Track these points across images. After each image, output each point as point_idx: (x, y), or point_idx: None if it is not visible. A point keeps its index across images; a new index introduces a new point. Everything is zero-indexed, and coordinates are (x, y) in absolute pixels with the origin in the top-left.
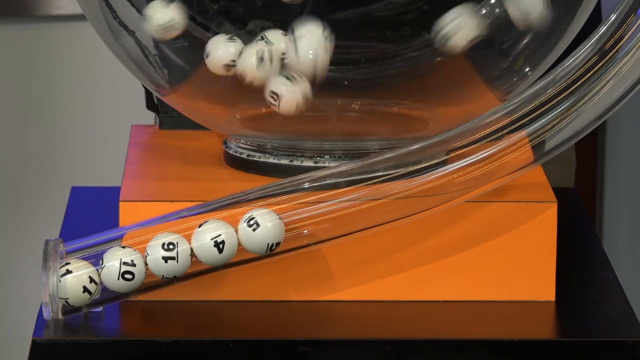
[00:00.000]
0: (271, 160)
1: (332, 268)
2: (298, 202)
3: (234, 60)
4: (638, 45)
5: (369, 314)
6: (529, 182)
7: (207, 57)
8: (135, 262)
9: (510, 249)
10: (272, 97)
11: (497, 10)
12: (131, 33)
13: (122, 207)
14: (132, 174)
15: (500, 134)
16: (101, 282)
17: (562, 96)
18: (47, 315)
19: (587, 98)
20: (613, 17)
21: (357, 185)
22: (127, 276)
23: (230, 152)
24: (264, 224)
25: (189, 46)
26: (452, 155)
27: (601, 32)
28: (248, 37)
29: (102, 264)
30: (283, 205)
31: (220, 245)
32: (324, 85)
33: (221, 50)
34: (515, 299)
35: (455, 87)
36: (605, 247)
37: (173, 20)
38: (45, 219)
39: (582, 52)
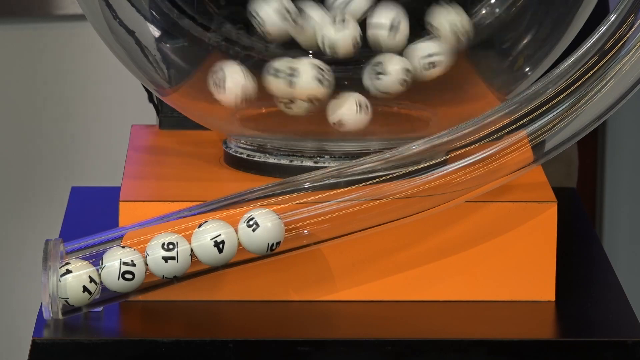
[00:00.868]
0: (271, 160)
1: (332, 268)
2: (298, 202)
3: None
4: (638, 45)
5: (369, 314)
6: (529, 182)
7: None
8: (135, 262)
9: (510, 249)
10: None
11: (496, 10)
12: (131, 33)
13: (122, 207)
14: (132, 174)
15: (500, 134)
16: (101, 282)
17: (562, 96)
18: (47, 315)
19: (587, 98)
20: (613, 17)
21: (357, 185)
22: (127, 276)
23: (230, 152)
24: (263, 224)
25: (189, 46)
26: (452, 155)
27: (601, 32)
28: (248, 37)
29: (102, 264)
30: (283, 205)
31: (220, 245)
32: None
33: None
34: (515, 299)
35: (455, 87)
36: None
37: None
38: (45, 219)
39: (582, 52)
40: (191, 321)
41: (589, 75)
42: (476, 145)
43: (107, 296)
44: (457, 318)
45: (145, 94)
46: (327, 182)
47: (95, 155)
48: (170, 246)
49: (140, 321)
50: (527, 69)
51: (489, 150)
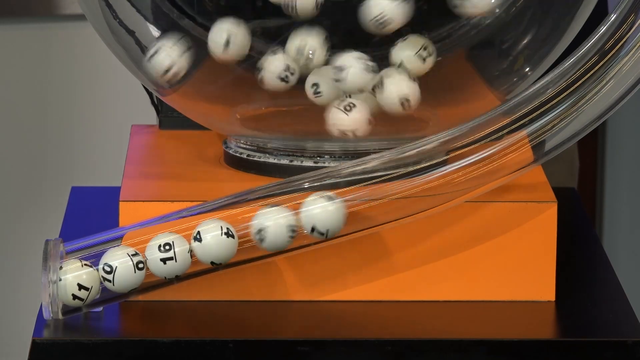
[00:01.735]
0: (271, 160)
1: (333, 268)
2: (298, 202)
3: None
4: (638, 45)
5: (369, 314)
6: (529, 182)
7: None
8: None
9: (510, 249)
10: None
11: (496, 10)
12: (131, 33)
13: (122, 207)
14: (132, 174)
15: (500, 134)
16: (101, 282)
17: (562, 96)
18: (47, 315)
19: (587, 98)
20: (613, 17)
21: (357, 185)
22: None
23: (230, 152)
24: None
25: (189, 46)
26: (452, 155)
27: (601, 32)
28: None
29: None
30: (283, 206)
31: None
32: None
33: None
34: (515, 299)
35: (455, 87)
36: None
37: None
38: (45, 219)
39: (582, 52)
40: (191, 321)
41: (589, 75)
42: (476, 145)
43: (107, 296)
44: (457, 318)
45: (146, 94)
46: (327, 182)
47: (95, 155)
48: (167, 247)
49: (140, 321)
50: (527, 69)
51: (489, 150)
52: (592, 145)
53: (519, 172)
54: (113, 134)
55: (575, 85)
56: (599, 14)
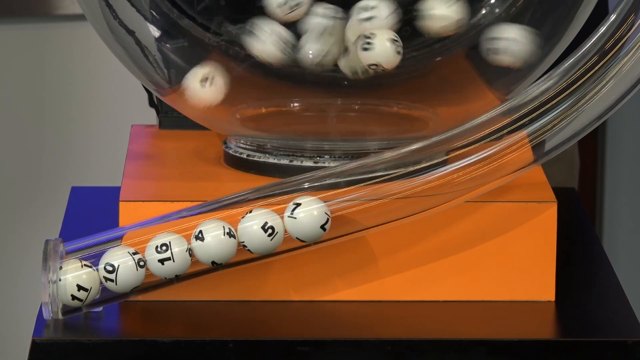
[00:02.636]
0: (271, 160)
1: (332, 268)
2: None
3: None
4: (638, 45)
5: (369, 314)
6: (529, 182)
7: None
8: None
9: (510, 249)
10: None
11: (496, 10)
12: (131, 33)
13: (122, 207)
14: (132, 174)
15: (500, 134)
16: (101, 282)
17: (562, 96)
18: (47, 315)
19: (587, 98)
20: (613, 17)
21: (357, 185)
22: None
23: (230, 152)
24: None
25: (189, 46)
26: (452, 155)
27: (601, 32)
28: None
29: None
30: (283, 206)
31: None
32: (324, 85)
33: None
34: (515, 299)
35: (455, 87)
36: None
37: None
38: (45, 219)
39: (582, 52)
40: (191, 321)
41: (589, 75)
42: (476, 145)
43: (107, 296)
44: (457, 318)
45: (146, 95)
46: (327, 182)
47: (95, 155)
48: (164, 247)
49: (140, 321)
50: (527, 69)
51: (489, 150)
52: (592, 145)
53: (519, 172)
54: (113, 134)
55: (575, 85)
56: (599, 14)
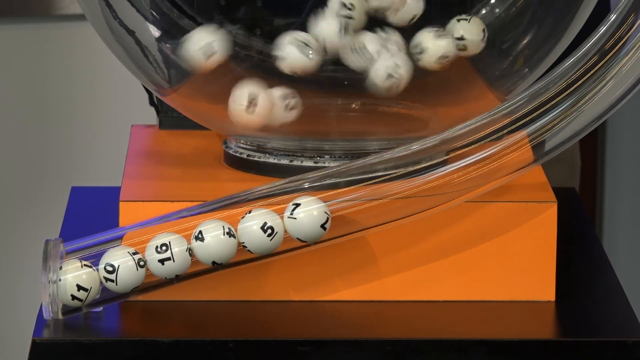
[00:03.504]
0: (271, 160)
1: (332, 268)
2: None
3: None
4: (638, 45)
5: (369, 314)
6: (529, 182)
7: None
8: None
9: (510, 249)
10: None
11: (496, 10)
12: (131, 33)
13: (122, 207)
14: (132, 174)
15: (500, 134)
16: (101, 282)
17: (562, 96)
18: (47, 315)
19: (587, 98)
20: (613, 17)
21: (357, 185)
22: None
23: (230, 152)
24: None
25: None
26: (452, 155)
27: (601, 32)
28: (248, 36)
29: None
30: (283, 206)
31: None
32: (324, 85)
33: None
34: (515, 299)
35: (455, 87)
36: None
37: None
38: (45, 219)
39: (582, 52)
40: (191, 321)
41: (589, 75)
42: (476, 145)
43: (107, 296)
44: (457, 318)
45: (146, 95)
46: (327, 182)
47: (95, 155)
48: (164, 247)
49: (140, 321)
50: (527, 69)
51: (489, 150)
52: (592, 145)
53: (519, 172)
54: (113, 134)
55: (575, 85)
56: (599, 14)
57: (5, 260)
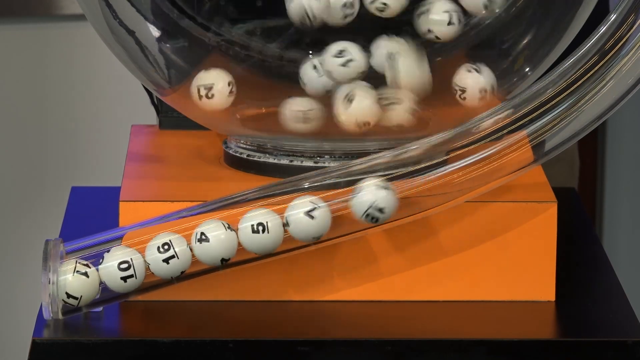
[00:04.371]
0: (271, 160)
1: (332, 268)
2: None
3: None
4: (638, 45)
5: (369, 314)
6: (529, 182)
7: None
8: (134, 262)
9: (510, 249)
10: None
11: (496, 10)
12: (131, 33)
13: (122, 207)
14: (132, 174)
15: (500, 134)
16: (101, 282)
17: (562, 96)
18: (47, 315)
19: (587, 98)
20: (613, 17)
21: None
22: (128, 274)
23: (230, 152)
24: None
25: (189, 46)
26: (452, 155)
27: (601, 32)
28: (247, 37)
29: (102, 263)
30: (283, 206)
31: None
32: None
33: None
34: (515, 299)
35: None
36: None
37: None
38: (45, 219)
39: (582, 52)
40: (191, 321)
41: (589, 75)
42: (476, 145)
43: (107, 296)
44: (457, 318)
45: (146, 95)
46: (327, 182)
47: (95, 155)
48: (166, 247)
49: (140, 321)
50: (527, 69)
51: (489, 150)
52: (592, 145)
53: (519, 172)
54: (113, 134)
55: (575, 85)
56: (599, 14)
57: (5, 260)
